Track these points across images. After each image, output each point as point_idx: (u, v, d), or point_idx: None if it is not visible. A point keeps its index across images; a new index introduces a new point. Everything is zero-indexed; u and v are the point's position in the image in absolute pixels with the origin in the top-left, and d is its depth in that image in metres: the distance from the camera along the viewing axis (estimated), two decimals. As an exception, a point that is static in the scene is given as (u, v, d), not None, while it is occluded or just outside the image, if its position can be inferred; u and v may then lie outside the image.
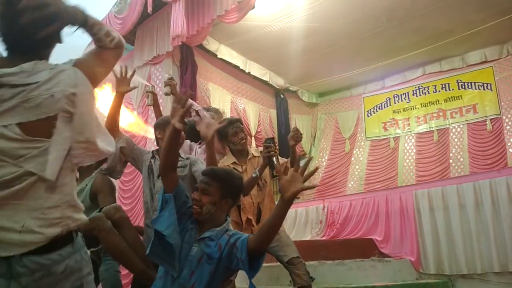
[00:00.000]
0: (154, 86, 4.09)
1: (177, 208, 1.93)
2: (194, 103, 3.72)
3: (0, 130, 1.26)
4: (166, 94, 3.85)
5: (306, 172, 1.75)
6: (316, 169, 1.73)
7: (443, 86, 8.36)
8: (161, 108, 4.21)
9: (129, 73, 3.10)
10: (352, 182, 8.76)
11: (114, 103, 2.97)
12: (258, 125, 8.15)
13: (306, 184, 1.74)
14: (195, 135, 3.74)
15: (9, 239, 1.25)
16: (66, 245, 1.37)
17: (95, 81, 1.50)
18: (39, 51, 1.43)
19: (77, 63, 1.44)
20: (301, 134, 3.32)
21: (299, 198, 6.99)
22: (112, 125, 2.93)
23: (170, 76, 3.88)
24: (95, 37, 1.52)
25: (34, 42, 1.39)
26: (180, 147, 3.16)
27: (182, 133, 3.14)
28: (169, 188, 1.96)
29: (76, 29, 1.47)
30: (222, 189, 1.97)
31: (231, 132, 3.37)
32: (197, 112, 3.55)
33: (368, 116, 9.24)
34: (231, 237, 1.88)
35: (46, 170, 1.30)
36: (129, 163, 3.32)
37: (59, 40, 1.49)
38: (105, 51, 1.54)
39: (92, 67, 1.49)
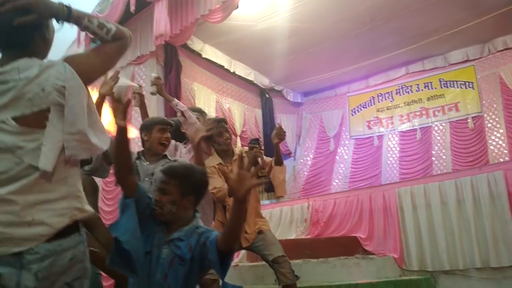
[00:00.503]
0: (141, 87, 4.02)
1: (141, 211, 1.85)
2: (180, 103, 3.71)
3: None
4: (152, 93, 3.78)
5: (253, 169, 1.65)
6: (260, 167, 1.71)
7: (426, 85, 8.47)
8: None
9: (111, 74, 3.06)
10: (336, 181, 8.83)
11: (96, 104, 2.94)
12: (243, 125, 8.15)
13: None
14: (180, 135, 3.73)
15: (20, 234, 1.28)
16: (74, 233, 1.40)
17: (91, 75, 1.49)
18: (27, 49, 1.43)
19: (68, 59, 1.45)
20: (284, 132, 3.35)
21: (283, 197, 7.00)
22: None
23: (157, 75, 3.82)
24: (89, 31, 1.52)
25: (17, 37, 1.42)
26: (166, 149, 3.15)
27: (168, 134, 3.14)
28: (129, 193, 1.85)
29: (62, 24, 1.48)
30: (182, 186, 1.87)
31: (215, 132, 3.36)
32: (182, 112, 3.54)
33: (352, 115, 9.32)
34: (201, 235, 1.81)
35: (40, 160, 1.32)
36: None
37: (42, 35, 1.49)
38: (104, 45, 1.53)
39: (86, 62, 1.49)
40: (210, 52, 7.26)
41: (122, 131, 1.84)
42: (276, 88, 9.15)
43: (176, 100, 3.72)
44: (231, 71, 7.80)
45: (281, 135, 3.28)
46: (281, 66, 7.92)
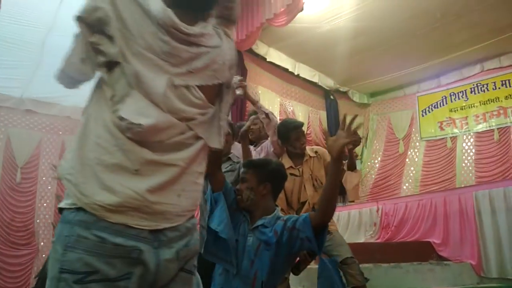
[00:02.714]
0: (242, 78, 4.09)
1: (229, 205, 1.99)
2: (263, 106, 3.78)
3: (183, 91, 1.16)
4: (239, 95, 3.85)
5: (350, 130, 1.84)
6: (360, 125, 1.77)
7: (503, 82, 7.94)
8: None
9: None
10: (407, 184, 8.52)
11: None
12: (307, 127, 8.09)
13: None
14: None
15: (174, 207, 1.14)
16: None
17: None
18: (205, 13, 1.26)
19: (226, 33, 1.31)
20: (360, 138, 3.24)
21: (353, 202, 6.82)
22: None
23: (240, 78, 3.87)
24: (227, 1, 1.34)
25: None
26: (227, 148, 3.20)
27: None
28: (217, 187, 2.00)
29: None
30: (258, 174, 2.08)
31: (294, 137, 3.34)
32: (266, 114, 3.58)
33: (423, 116, 8.94)
34: (286, 222, 1.92)
35: (215, 139, 1.25)
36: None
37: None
38: (228, 27, 1.36)
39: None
40: (275, 56, 7.32)
41: None
42: (341, 89, 9.01)
43: (260, 102, 3.81)
44: (295, 73, 7.81)
45: (356, 141, 3.19)
46: (346, 67, 7.79)
